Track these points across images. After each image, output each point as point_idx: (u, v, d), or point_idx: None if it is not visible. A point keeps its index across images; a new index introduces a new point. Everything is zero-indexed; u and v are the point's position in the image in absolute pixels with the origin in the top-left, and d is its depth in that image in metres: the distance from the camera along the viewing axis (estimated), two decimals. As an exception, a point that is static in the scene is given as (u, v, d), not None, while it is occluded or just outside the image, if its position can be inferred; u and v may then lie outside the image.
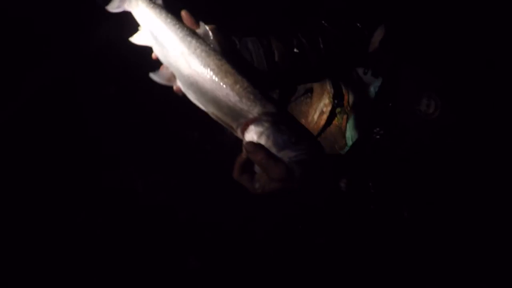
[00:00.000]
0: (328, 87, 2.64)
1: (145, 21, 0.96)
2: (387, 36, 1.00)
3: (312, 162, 0.76)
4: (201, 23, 0.88)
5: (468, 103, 0.75)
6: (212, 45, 0.87)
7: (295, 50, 0.98)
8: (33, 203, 2.02)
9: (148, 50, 0.98)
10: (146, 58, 0.99)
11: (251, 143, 0.79)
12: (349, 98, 2.67)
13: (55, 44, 2.26)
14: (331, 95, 2.64)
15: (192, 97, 0.90)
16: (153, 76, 0.94)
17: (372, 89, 2.42)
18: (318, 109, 2.67)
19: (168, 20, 0.92)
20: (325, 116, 2.65)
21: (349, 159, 0.93)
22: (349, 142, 2.51)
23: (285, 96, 2.51)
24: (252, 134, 0.80)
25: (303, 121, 2.71)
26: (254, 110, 0.81)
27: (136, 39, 0.98)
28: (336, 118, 2.70)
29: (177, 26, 0.91)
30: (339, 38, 1.01)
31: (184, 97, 0.94)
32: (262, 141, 0.78)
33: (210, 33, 0.87)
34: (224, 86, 0.84)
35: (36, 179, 2.07)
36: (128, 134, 2.36)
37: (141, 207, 2.13)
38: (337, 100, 2.67)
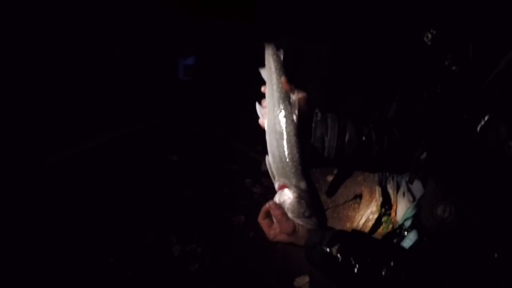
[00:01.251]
0: (377, 195, 2.70)
1: (266, 63, 1.18)
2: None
3: (314, 230, 0.99)
4: (296, 91, 1.08)
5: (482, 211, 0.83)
6: (295, 114, 1.06)
7: (363, 138, 1.11)
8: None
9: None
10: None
11: (274, 202, 1.04)
12: (397, 208, 2.70)
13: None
14: (379, 203, 2.68)
15: (266, 136, 1.10)
16: (257, 106, 1.15)
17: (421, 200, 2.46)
18: (365, 216, 2.70)
19: (274, 76, 1.13)
20: (370, 224, 2.66)
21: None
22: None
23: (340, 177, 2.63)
24: (282, 194, 1.03)
25: (348, 225, 2.74)
26: (292, 180, 1.03)
27: (262, 71, 1.19)
28: (381, 227, 2.69)
29: (279, 85, 1.12)
30: (400, 142, 1.15)
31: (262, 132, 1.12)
32: (286, 204, 1.02)
33: (297, 103, 1.07)
34: (283, 149, 1.05)
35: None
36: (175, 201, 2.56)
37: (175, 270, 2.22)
38: (385, 209, 2.70)
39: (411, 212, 2.07)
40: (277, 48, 1.16)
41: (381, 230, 2.70)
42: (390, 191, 2.77)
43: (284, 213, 1.00)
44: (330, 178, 2.92)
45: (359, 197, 2.84)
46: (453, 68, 0.90)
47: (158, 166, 2.79)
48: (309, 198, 1.00)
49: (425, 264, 0.85)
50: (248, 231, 2.45)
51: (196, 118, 3.22)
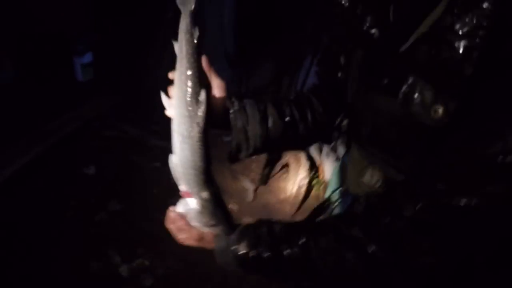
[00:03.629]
0: (303, 160, 2.77)
1: (178, 40, 0.98)
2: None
3: (219, 235, 0.99)
4: (202, 91, 0.94)
5: None
6: (202, 114, 0.94)
7: (287, 119, 1.07)
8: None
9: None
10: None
11: (176, 213, 1.00)
12: (324, 169, 2.79)
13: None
14: (307, 168, 2.75)
15: (171, 132, 0.99)
16: (163, 96, 1.01)
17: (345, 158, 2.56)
18: (296, 183, 2.77)
19: (184, 63, 0.96)
20: (303, 190, 2.74)
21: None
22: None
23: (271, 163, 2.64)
24: (186, 203, 0.99)
25: (282, 195, 2.79)
26: (194, 189, 0.98)
27: (175, 45, 0.99)
28: (313, 189, 2.79)
29: (188, 75, 0.96)
30: (323, 114, 1.12)
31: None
32: (190, 213, 0.99)
33: (205, 103, 0.94)
34: (186, 154, 0.96)
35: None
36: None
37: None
38: (313, 172, 2.79)
39: (336, 183, 2.13)
40: (194, 23, 0.96)
41: (314, 192, 2.80)
42: (314, 154, 2.85)
43: (187, 223, 0.99)
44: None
45: (286, 166, 2.89)
46: (373, 31, 0.87)
47: (76, 183, 2.59)
48: (213, 207, 0.97)
49: (341, 228, 0.84)
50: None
51: (105, 122, 3.03)
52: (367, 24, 0.87)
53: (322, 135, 1.21)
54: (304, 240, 0.85)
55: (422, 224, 0.74)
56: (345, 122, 1.16)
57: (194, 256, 2.18)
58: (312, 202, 2.76)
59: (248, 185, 2.78)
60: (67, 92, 3.13)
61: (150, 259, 2.24)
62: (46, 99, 2.93)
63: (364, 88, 0.91)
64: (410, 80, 0.75)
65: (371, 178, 0.94)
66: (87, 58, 3.27)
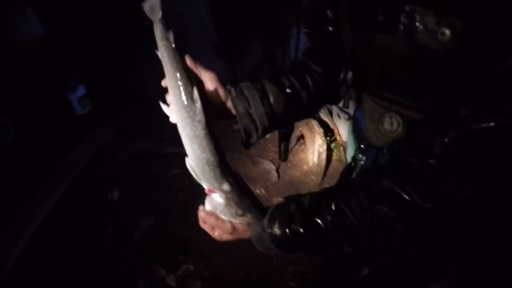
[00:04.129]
0: (316, 127, 2.74)
1: (158, 48, 1.00)
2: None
3: (252, 222, 0.99)
4: (194, 89, 0.94)
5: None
6: (200, 111, 0.94)
7: (287, 90, 1.05)
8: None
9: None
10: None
11: (204, 210, 1.02)
12: (339, 130, 2.76)
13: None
14: (322, 134, 2.72)
15: (181, 137, 0.99)
16: (162, 105, 1.02)
17: (357, 114, 2.52)
18: (315, 152, 2.74)
19: (169, 68, 0.97)
20: (324, 156, 2.71)
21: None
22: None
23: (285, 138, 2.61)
24: (211, 200, 1.00)
25: (305, 167, 2.78)
26: (214, 184, 0.98)
27: (159, 54, 1.01)
28: (333, 153, 2.76)
29: (176, 79, 0.97)
30: (324, 75, 1.09)
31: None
32: (217, 208, 0.99)
33: (199, 99, 0.94)
34: (197, 154, 0.97)
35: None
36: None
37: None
38: (329, 137, 2.76)
39: (354, 141, 2.09)
40: (165, 28, 0.99)
41: (335, 156, 2.77)
42: (325, 118, 2.82)
43: (217, 217, 1.00)
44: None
45: (301, 138, 2.87)
46: None
47: (105, 211, 2.61)
48: (237, 197, 0.97)
49: (367, 184, 0.82)
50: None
51: (115, 145, 3.05)
52: None
53: (327, 97, 1.17)
54: (334, 205, 0.84)
55: (454, 159, 0.71)
56: (349, 76, 1.12)
57: (235, 249, 2.20)
58: (336, 166, 2.75)
59: (270, 166, 2.77)
60: (70, 128, 3.16)
61: (193, 263, 2.26)
62: (51, 142, 2.96)
63: (359, 34, 0.87)
64: (407, 10, 0.71)
65: (391, 125, 0.91)
66: (81, 91, 3.29)
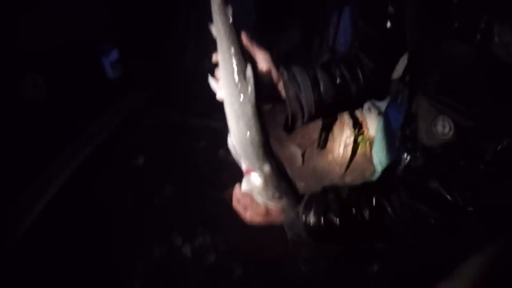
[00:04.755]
0: (346, 119, 2.73)
1: (214, 22, 1.01)
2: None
3: (287, 208, 0.99)
4: (249, 67, 0.95)
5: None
6: (252, 89, 0.95)
7: (338, 81, 1.06)
8: None
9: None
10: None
11: (240, 191, 1.03)
12: (367, 124, 2.75)
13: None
14: (351, 126, 2.72)
15: (225, 113, 1.01)
16: (211, 80, 1.03)
17: (389, 111, 2.51)
18: (342, 142, 2.74)
19: (224, 43, 0.98)
20: (349, 148, 2.71)
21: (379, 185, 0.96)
22: (378, 168, 2.54)
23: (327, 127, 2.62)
24: (249, 179, 1.01)
25: (330, 156, 2.77)
26: (256, 164, 0.99)
27: (212, 29, 1.02)
28: (359, 147, 2.75)
29: (230, 54, 0.97)
30: (374, 71, 1.10)
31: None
32: (254, 189, 1.00)
33: (252, 77, 0.95)
34: (242, 132, 0.98)
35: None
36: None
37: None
38: (357, 130, 2.75)
39: (382, 138, 2.07)
40: (225, 2, 0.99)
41: (361, 150, 2.76)
42: (356, 110, 2.80)
43: (252, 199, 1.01)
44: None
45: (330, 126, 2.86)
46: None
47: (129, 176, 2.66)
48: (276, 180, 0.98)
49: (412, 183, 0.84)
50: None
51: (144, 112, 3.07)
52: None
53: (375, 92, 1.18)
54: (375, 200, 0.85)
55: (504, 166, 0.73)
56: (407, 76, 1.11)
57: (252, 229, 2.20)
58: (360, 160, 2.74)
59: (296, 150, 2.77)
60: (101, 92, 3.18)
61: (210, 236, 2.30)
62: (82, 104, 2.99)
63: (426, 36, 0.86)
64: (485, 20, 0.71)
65: (443, 127, 0.91)
66: (114, 55, 3.31)
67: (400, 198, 0.83)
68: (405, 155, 1.08)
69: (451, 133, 0.89)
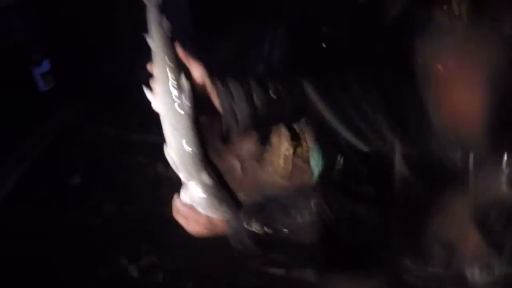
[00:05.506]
0: (283, 130, 2.81)
1: (149, 32, 1.01)
2: None
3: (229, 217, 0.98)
4: (184, 78, 0.96)
5: None
6: (187, 99, 0.96)
7: (272, 94, 1.07)
8: None
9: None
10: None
11: (180, 201, 1.01)
12: (305, 136, 2.84)
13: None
14: (288, 138, 2.79)
15: (162, 123, 1.01)
16: (146, 90, 1.02)
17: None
18: (281, 154, 2.81)
19: (160, 54, 0.99)
20: (289, 159, 2.79)
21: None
22: (315, 171, 2.63)
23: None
24: (188, 190, 1.00)
25: (270, 168, 2.84)
26: (194, 174, 0.98)
27: (148, 39, 1.01)
28: (299, 157, 2.84)
29: (165, 66, 0.98)
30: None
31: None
32: (194, 199, 0.99)
33: (188, 87, 0.96)
34: (179, 142, 0.98)
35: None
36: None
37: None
38: (295, 141, 2.83)
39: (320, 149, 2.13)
40: (160, 13, 1.00)
41: (300, 160, 2.85)
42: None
43: (193, 209, 1.00)
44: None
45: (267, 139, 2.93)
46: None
47: (65, 195, 2.55)
48: (216, 190, 0.99)
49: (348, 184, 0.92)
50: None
51: (77, 128, 2.97)
52: None
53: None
54: (314, 203, 0.89)
55: None
56: None
57: (200, 243, 2.19)
58: (300, 170, 2.83)
59: (235, 162, 2.80)
60: (31, 105, 3.03)
61: (156, 254, 2.25)
62: (13, 117, 2.83)
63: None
64: None
65: None
66: (45, 66, 3.15)
67: (338, 200, 0.88)
68: (340, 158, 1.14)
69: None
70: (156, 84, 1.01)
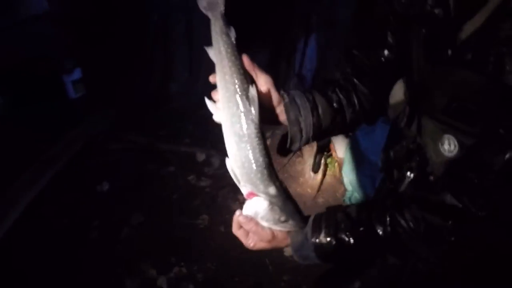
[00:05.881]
0: (315, 142, 2.75)
1: (214, 44, 1.00)
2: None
3: (294, 230, 0.98)
4: (252, 88, 0.94)
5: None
6: (254, 110, 0.94)
7: (335, 105, 1.08)
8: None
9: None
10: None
11: (243, 215, 0.97)
12: (335, 147, 2.79)
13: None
14: (319, 148, 2.75)
15: (224, 135, 0.98)
16: (208, 102, 1.01)
17: (357, 134, 2.57)
18: (312, 165, 2.76)
19: (226, 63, 0.97)
20: (320, 171, 2.74)
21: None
22: (348, 187, 2.58)
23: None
24: (253, 204, 0.97)
25: (301, 179, 2.79)
26: (260, 187, 0.95)
27: (210, 52, 1.00)
28: (328, 168, 2.79)
29: (233, 75, 0.96)
30: (369, 97, 1.13)
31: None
32: (259, 213, 0.96)
33: (256, 97, 0.94)
34: (245, 154, 0.95)
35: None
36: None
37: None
38: (326, 152, 2.79)
39: (351, 160, 2.11)
40: (226, 24, 0.98)
41: (330, 171, 2.80)
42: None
43: (257, 224, 0.97)
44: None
45: (299, 150, 2.88)
46: (436, 11, 0.90)
47: (93, 203, 2.54)
48: (282, 202, 0.95)
49: (422, 197, 0.88)
50: (217, 227, 2.32)
51: (108, 135, 2.97)
52: (429, 4, 0.90)
53: (368, 117, 1.21)
54: (389, 217, 0.87)
55: None
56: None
57: (229, 254, 2.18)
58: (330, 181, 2.78)
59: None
60: (62, 112, 3.06)
61: (186, 266, 2.20)
62: (42, 123, 2.86)
63: (435, 63, 0.92)
64: (497, 52, 0.78)
65: (449, 145, 0.95)
66: (77, 74, 3.20)
67: (412, 212, 0.85)
68: (408, 173, 1.11)
69: (456, 150, 0.93)
70: (220, 95, 0.99)
